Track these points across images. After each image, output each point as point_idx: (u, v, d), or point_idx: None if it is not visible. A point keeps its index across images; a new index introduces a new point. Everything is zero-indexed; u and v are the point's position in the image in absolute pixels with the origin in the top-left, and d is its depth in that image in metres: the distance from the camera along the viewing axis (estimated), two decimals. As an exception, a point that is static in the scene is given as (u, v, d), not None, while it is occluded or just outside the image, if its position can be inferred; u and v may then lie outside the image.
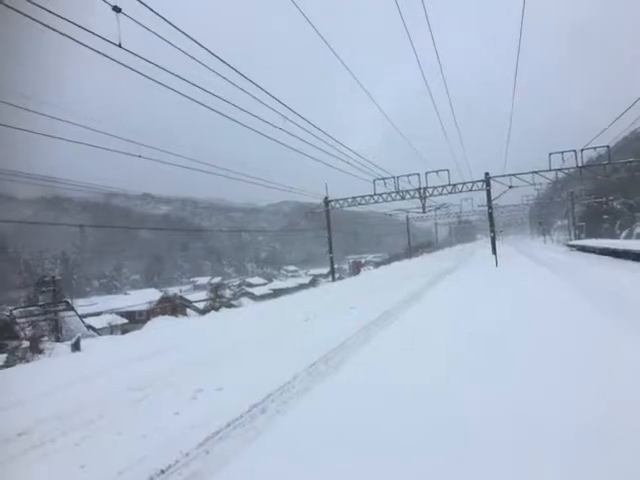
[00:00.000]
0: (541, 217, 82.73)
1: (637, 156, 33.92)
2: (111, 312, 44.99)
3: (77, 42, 9.03)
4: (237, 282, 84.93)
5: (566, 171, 31.16)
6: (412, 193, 33.28)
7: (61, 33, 8.72)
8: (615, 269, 20.85)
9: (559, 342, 7.38)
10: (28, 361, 12.96)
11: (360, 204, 35.43)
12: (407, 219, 62.72)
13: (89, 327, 31.36)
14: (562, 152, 29.11)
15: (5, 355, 14.40)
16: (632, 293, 12.57)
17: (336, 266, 41.09)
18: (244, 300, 52.78)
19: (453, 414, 4.77)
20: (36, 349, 16.08)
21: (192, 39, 10.53)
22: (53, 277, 31.77)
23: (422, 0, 12.45)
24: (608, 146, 29.58)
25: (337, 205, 36.41)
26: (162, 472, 4.38)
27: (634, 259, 23.71)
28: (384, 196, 33.74)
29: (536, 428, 4.19)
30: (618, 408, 4.46)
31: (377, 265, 65.07)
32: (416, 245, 76.96)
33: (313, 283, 62.35)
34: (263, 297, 53.76)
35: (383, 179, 32.47)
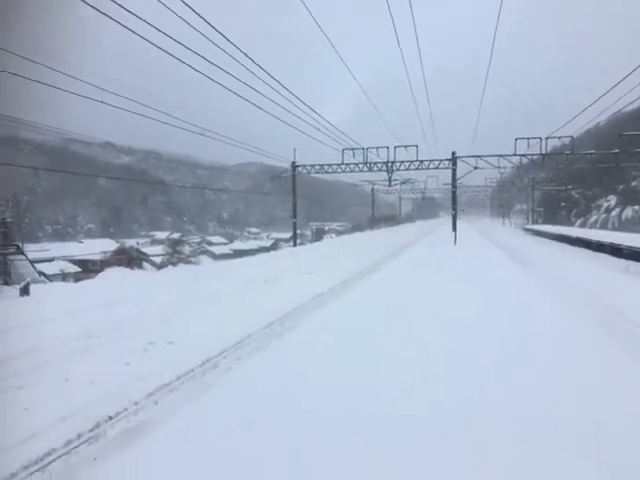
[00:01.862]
0: (502, 200, 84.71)
1: (598, 148, 34.97)
2: (64, 259, 43.80)
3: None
4: (197, 240, 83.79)
5: (530, 157, 31.80)
6: (380, 166, 33.33)
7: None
8: (557, 250, 21.80)
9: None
10: (-27, 302, 12.49)
11: (327, 172, 35.25)
12: (372, 191, 63.04)
13: (40, 273, 30.48)
14: (528, 138, 29.65)
15: (-52, 295, 13.86)
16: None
17: (299, 231, 41.11)
18: (203, 258, 52.35)
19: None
20: (-18, 291, 15.54)
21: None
22: (4, 219, 30.43)
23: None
24: (572, 136, 30.30)
25: (304, 171, 36.11)
26: (110, 418, 4.37)
27: (583, 246, 24.79)
28: (352, 166, 33.64)
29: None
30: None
31: (340, 233, 65.51)
32: (380, 217, 77.69)
33: (274, 247, 62.26)
34: (223, 257, 53.37)
35: (352, 149, 32.32)
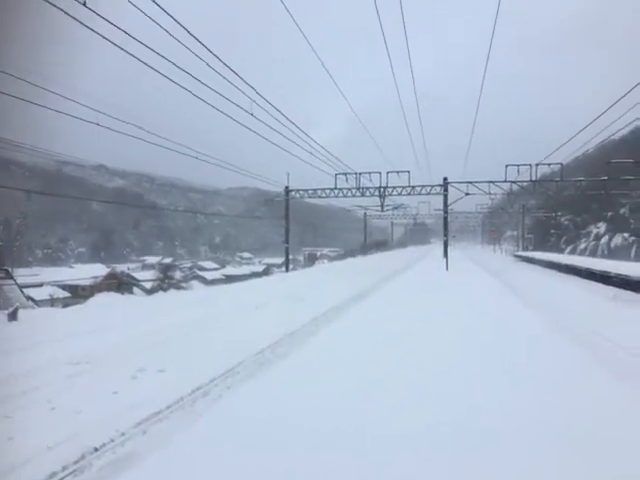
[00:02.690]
0: (492, 226, 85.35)
1: (587, 175, 35.50)
2: (53, 284, 43.34)
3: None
4: (189, 265, 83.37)
5: (520, 184, 32.21)
6: (372, 191, 33.59)
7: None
8: (555, 280, 21.88)
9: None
10: (-41, 328, 12.27)
11: (320, 197, 35.46)
12: (365, 216, 63.33)
13: (28, 298, 30.13)
14: (518, 165, 30.06)
15: None
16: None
17: (291, 257, 41.06)
18: (194, 283, 51.95)
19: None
20: (-31, 316, 15.26)
21: (162, 9, 10.17)
22: (-7, 243, 30.20)
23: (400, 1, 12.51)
24: (561, 163, 30.77)
25: (297, 195, 36.29)
26: (95, 450, 4.26)
27: (573, 273, 24.95)
28: (344, 191, 33.87)
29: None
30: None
31: (332, 259, 65.51)
32: (372, 242, 77.90)
33: (266, 272, 62.03)
34: (214, 282, 53.04)
35: (345, 174, 32.58)
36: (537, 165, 30.23)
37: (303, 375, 6.33)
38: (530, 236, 67.74)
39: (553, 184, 33.77)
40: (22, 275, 41.05)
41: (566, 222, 63.69)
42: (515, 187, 33.27)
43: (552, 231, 63.46)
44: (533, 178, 30.74)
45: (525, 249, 60.85)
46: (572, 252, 56.39)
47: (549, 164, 31.22)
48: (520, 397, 5.10)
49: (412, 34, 16.38)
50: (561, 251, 56.20)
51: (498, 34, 15.34)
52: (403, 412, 4.71)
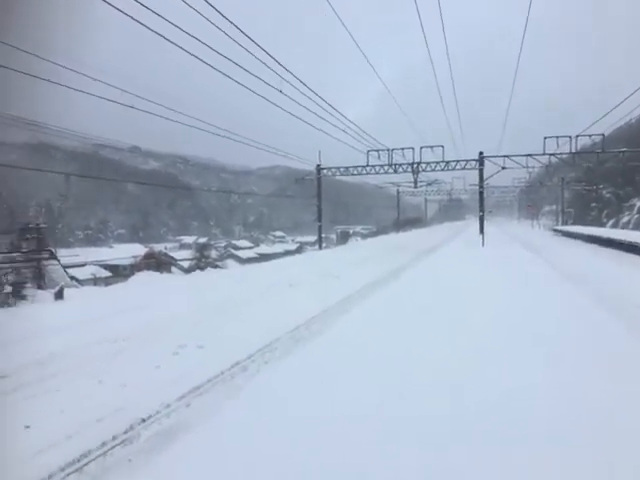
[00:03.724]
0: (530, 201, 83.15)
1: (630, 146, 34.06)
2: (95, 264, 44.76)
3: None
4: (223, 244, 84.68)
5: (559, 156, 31.18)
6: (405, 167, 33.12)
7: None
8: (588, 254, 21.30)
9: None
10: (10, 306, 12.90)
11: (352, 174, 35.17)
12: (398, 193, 62.62)
13: (72, 277, 31.22)
14: (557, 137, 29.05)
15: (-14, 299, 14.31)
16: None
17: (324, 235, 41.11)
18: (229, 262, 52.85)
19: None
20: (19, 295, 15.98)
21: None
22: (37, 224, 31.30)
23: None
24: (603, 134, 29.59)
25: (329, 173, 36.14)
26: (143, 421, 4.46)
27: (616, 247, 24.13)
28: (377, 168, 33.51)
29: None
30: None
31: (365, 237, 65.36)
32: (405, 220, 77.15)
33: (299, 250, 62.50)
34: (249, 260, 53.83)
35: (377, 151, 32.20)
36: (577, 137, 29.16)
37: (336, 352, 6.41)
38: (570, 210, 65.74)
39: (594, 156, 32.57)
40: (65, 255, 42.46)
41: (608, 195, 61.45)
42: (554, 160, 32.18)
43: (593, 204, 61.42)
44: (573, 150, 29.73)
45: (565, 223, 59.16)
46: (614, 226, 54.49)
47: (590, 135, 30.02)
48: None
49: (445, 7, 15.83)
50: (603, 225, 54.43)
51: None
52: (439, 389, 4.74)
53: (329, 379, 5.19)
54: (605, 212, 60.91)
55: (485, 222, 32.81)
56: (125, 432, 4.24)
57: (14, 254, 27.03)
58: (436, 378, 5.05)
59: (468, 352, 5.96)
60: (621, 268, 16.08)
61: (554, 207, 72.08)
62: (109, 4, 9.83)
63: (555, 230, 51.19)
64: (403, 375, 5.20)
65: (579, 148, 30.83)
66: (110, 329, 8.18)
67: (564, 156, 31.02)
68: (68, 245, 76.95)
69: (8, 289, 15.85)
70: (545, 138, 29.04)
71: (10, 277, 20.17)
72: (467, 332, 6.99)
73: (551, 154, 30.35)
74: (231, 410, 4.51)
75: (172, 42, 12.14)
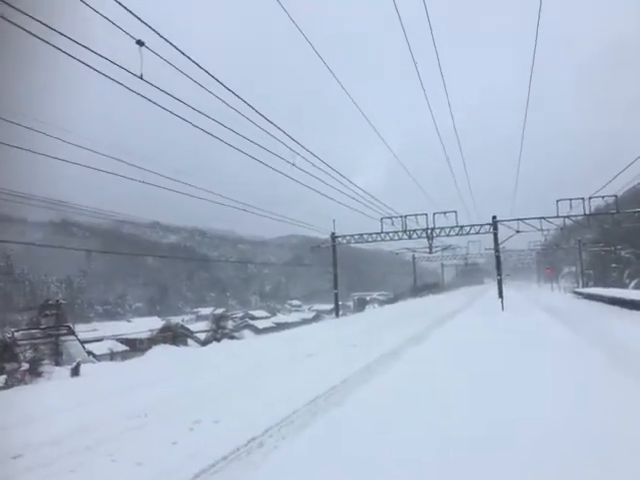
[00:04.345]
0: (547, 263, 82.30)
1: (644, 206, 33.96)
2: (112, 339, 44.74)
3: (100, 73, 9.34)
4: (240, 314, 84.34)
5: (574, 218, 31.19)
6: (419, 233, 33.35)
7: (84, 63, 9.05)
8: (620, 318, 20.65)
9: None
10: (27, 383, 12.86)
11: (367, 241, 35.46)
12: (413, 258, 62.62)
13: (89, 353, 31.12)
14: (570, 199, 29.22)
15: (4, 377, 14.30)
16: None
17: (340, 302, 40.85)
18: (246, 332, 52.34)
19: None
20: (35, 372, 15.95)
21: (203, 69, 10.78)
22: (57, 301, 31.74)
23: (434, 46, 12.86)
24: (616, 195, 29.71)
25: (344, 241, 36.50)
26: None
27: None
28: (391, 234, 33.83)
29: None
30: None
31: (382, 303, 64.70)
32: (422, 285, 76.53)
33: (316, 318, 61.83)
34: (265, 330, 53.30)
35: (390, 218, 32.63)
36: (590, 198, 29.30)
37: (357, 422, 6.24)
38: (589, 272, 64.76)
39: (609, 217, 32.50)
40: (83, 331, 42.72)
41: (627, 255, 60.60)
42: (568, 222, 32.18)
43: (613, 265, 60.48)
44: (586, 212, 29.76)
45: (585, 285, 58.12)
46: (637, 286, 53.29)
47: (602, 197, 30.19)
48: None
49: (449, 72, 16.62)
50: (625, 286, 53.28)
51: (541, 62, 15.25)
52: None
53: (344, 450, 5.03)
54: (627, 272, 59.83)
55: (504, 286, 32.43)
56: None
57: (33, 331, 27.25)
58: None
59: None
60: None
61: (573, 269, 71.10)
62: (126, 87, 10.45)
63: (576, 292, 50.24)
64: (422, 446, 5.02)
65: (593, 209, 30.87)
66: (125, 405, 8.09)
67: (578, 218, 31.03)
68: (87, 320, 77.36)
69: (25, 366, 15.86)
70: (558, 201, 29.23)
71: (28, 354, 20.24)
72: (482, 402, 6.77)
73: (565, 217, 30.40)
74: None
75: (187, 121, 12.72)
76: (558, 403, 6.54)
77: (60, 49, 8.60)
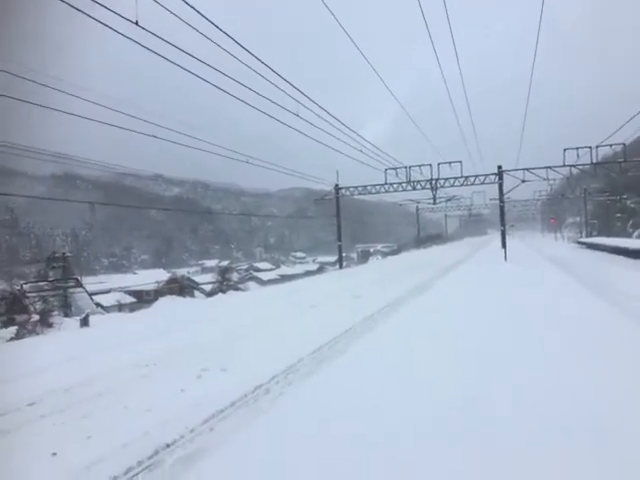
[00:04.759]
0: (552, 213, 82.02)
1: (653, 154, 33.40)
2: (120, 291, 45.46)
3: (95, 20, 9.05)
4: (245, 266, 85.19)
5: (580, 167, 30.75)
6: (423, 184, 33.06)
7: (84, 13, 8.76)
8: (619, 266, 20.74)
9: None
10: (38, 334, 13.18)
11: (371, 193, 35.22)
12: (417, 210, 62.41)
13: (97, 304, 31.71)
14: (577, 148, 28.73)
15: (15, 328, 14.64)
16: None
17: (344, 254, 41.09)
18: (251, 284, 53.05)
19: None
20: (46, 323, 16.33)
21: (208, 20, 10.47)
22: (64, 253, 32.06)
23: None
24: (624, 143, 29.13)
25: (347, 193, 36.28)
26: (167, 446, 4.48)
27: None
28: (395, 186, 33.54)
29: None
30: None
31: (385, 255, 65.10)
32: (426, 236, 76.71)
33: (320, 270, 62.43)
34: (270, 282, 53.97)
35: (395, 169, 32.26)
36: (597, 147, 28.78)
37: (357, 372, 6.38)
38: (594, 221, 64.57)
39: (616, 166, 32.04)
40: (90, 283, 43.36)
41: (632, 205, 60.20)
42: (575, 171, 31.75)
43: (618, 215, 60.22)
44: (594, 161, 29.32)
45: (589, 235, 58.07)
46: (641, 236, 53.22)
47: (610, 145, 29.60)
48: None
49: (455, 14, 15.97)
50: (629, 235, 53.23)
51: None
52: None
53: (342, 398, 5.17)
54: (630, 222, 59.61)
55: (508, 236, 32.44)
56: (150, 457, 4.27)
57: (42, 283, 27.66)
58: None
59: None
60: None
61: (577, 219, 70.89)
62: (135, 42, 10.18)
63: (579, 242, 50.30)
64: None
65: (600, 158, 30.40)
66: (134, 355, 8.28)
67: (585, 167, 30.61)
68: (93, 272, 78.44)
69: (36, 317, 16.20)
70: (565, 150, 28.75)
71: (38, 306, 20.64)
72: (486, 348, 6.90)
73: (571, 165, 29.98)
74: (255, 433, 4.50)
75: (190, 72, 12.44)
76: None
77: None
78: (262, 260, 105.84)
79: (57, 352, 9.20)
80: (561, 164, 29.46)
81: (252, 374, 6.67)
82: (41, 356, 8.89)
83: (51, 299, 24.40)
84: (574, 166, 30.22)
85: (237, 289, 32.67)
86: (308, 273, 57.04)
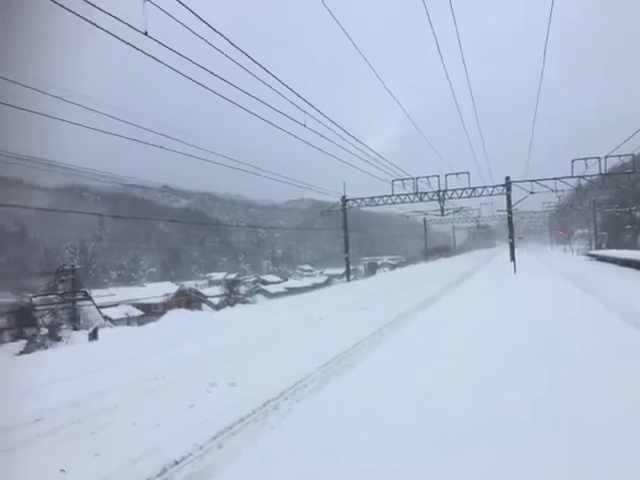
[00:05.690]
0: (561, 225, 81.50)
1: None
2: (128, 303, 45.55)
3: (104, 30, 9.12)
4: (252, 279, 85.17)
5: (589, 178, 30.61)
6: (431, 195, 33.01)
7: (91, 22, 8.84)
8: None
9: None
10: (47, 348, 13.20)
11: (378, 204, 35.18)
12: (425, 221, 62.27)
13: (106, 317, 31.81)
14: (585, 159, 28.59)
15: (24, 341, 14.69)
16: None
17: (351, 267, 41.01)
18: (258, 297, 53.06)
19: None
20: (54, 337, 16.37)
21: (215, 30, 10.50)
22: (73, 266, 32.31)
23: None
24: (633, 154, 29.00)
25: (355, 204, 36.25)
26: (176, 463, 4.44)
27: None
28: (402, 197, 33.51)
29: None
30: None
31: (393, 267, 64.89)
32: (434, 248, 76.42)
33: (328, 283, 62.35)
34: (277, 295, 53.91)
35: (402, 180, 32.23)
36: (606, 157, 28.67)
37: (366, 386, 6.32)
38: (603, 234, 64.06)
39: (625, 177, 31.86)
40: (99, 296, 43.44)
41: (642, 216, 59.73)
42: (583, 182, 31.61)
43: (627, 227, 59.73)
44: (602, 172, 29.17)
45: (598, 247, 57.60)
46: (651, 248, 52.69)
47: (619, 156, 29.49)
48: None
49: (463, 29, 16.00)
50: (639, 248, 52.76)
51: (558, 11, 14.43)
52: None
53: (353, 414, 5.10)
54: (641, 234, 59.09)
55: (516, 249, 32.23)
56: (159, 475, 4.23)
57: (51, 296, 27.79)
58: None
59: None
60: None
61: (587, 231, 70.38)
62: (145, 53, 10.25)
63: (589, 255, 49.91)
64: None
65: (609, 169, 30.26)
66: (142, 369, 8.25)
67: (593, 178, 30.47)
68: (102, 285, 78.65)
69: (45, 331, 16.26)
70: (573, 161, 28.68)
71: (47, 319, 20.70)
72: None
73: (580, 176, 29.85)
74: (264, 448, 4.45)
75: (195, 81, 12.47)
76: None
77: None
78: (269, 273, 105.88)
79: (65, 367, 9.20)
80: (569, 175, 29.35)
81: (261, 389, 6.62)
82: (49, 371, 8.88)
83: (60, 312, 24.50)
84: (582, 177, 30.08)
85: (245, 302, 32.69)
86: (316, 286, 56.99)
